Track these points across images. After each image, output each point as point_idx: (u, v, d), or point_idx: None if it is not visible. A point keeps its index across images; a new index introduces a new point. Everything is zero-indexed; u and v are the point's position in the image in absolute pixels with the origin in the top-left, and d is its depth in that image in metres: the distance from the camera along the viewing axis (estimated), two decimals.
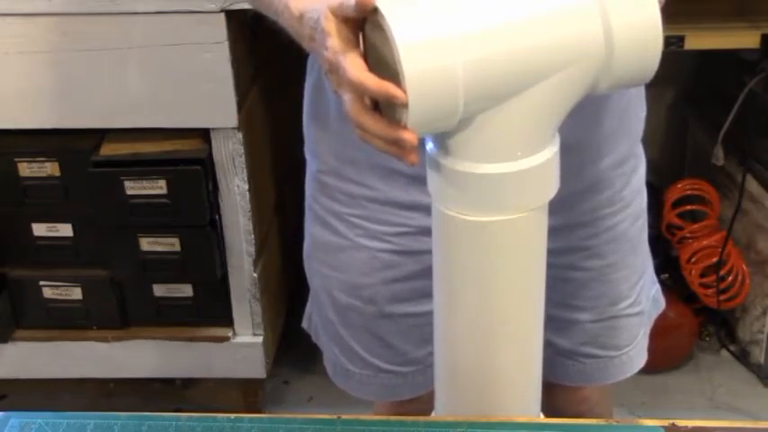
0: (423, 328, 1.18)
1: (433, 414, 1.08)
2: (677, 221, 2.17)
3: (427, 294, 1.11)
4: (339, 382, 1.29)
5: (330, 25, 0.84)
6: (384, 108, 0.84)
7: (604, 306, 1.22)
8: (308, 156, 1.21)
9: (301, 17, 0.90)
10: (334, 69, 0.84)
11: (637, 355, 1.29)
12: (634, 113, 1.17)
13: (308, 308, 1.32)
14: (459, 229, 0.89)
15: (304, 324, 1.35)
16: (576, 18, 0.82)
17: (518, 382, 0.99)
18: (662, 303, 1.34)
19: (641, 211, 1.22)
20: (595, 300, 1.22)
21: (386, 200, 1.14)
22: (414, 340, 1.21)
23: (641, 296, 1.26)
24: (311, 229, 1.23)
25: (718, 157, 2.10)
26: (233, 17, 1.66)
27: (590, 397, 1.34)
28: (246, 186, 1.79)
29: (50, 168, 1.80)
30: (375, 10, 0.81)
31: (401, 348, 1.22)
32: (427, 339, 1.17)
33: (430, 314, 1.04)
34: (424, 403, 1.23)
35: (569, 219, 1.12)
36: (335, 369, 1.28)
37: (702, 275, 2.14)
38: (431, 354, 1.17)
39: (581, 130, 1.04)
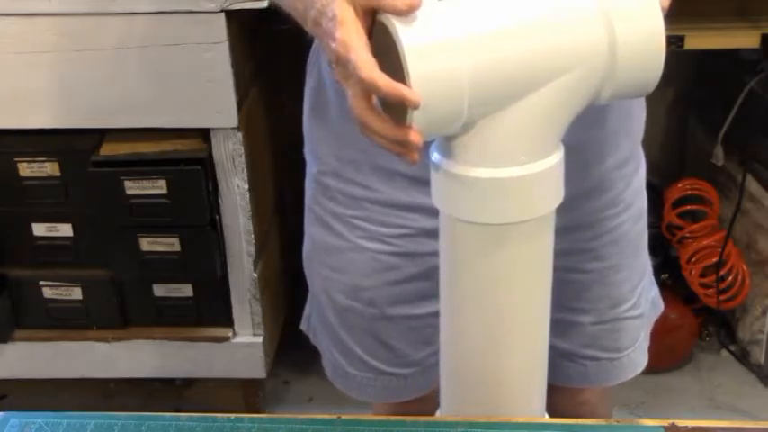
0: (423, 330, 1.18)
1: (437, 413, 1.08)
2: (677, 221, 2.17)
3: (427, 296, 1.11)
4: (339, 383, 1.29)
5: (344, 13, 0.81)
6: (385, 104, 0.84)
7: (606, 308, 1.22)
8: (307, 157, 1.21)
9: None
10: (343, 63, 0.82)
11: (638, 356, 1.28)
12: (636, 115, 1.17)
13: (307, 309, 1.32)
14: (460, 232, 0.89)
15: (302, 326, 1.34)
16: (581, 25, 0.82)
17: (524, 384, 0.99)
18: (661, 306, 1.34)
19: (642, 212, 1.22)
20: (596, 302, 1.21)
21: (387, 201, 1.14)
22: (414, 342, 1.21)
23: (641, 298, 1.26)
24: (311, 231, 1.22)
25: (718, 157, 2.10)
26: (233, 17, 1.66)
27: (590, 399, 1.34)
28: (246, 186, 1.79)
29: (50, 168, 1.80)
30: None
31: (401, 350, 1.22)
32: (427, 341, 1.18)
33: (430, 316, 1.04)
34: (423, 404, 1.23)
35: (571, 220, 1.12)
36: (335, 371, 1.28)
37: (702, 275, 2.14)
38: (431, 355, 1.18)
39: (585, 132, 1.04)
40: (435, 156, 0.88)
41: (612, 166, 1.15)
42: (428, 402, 1.19)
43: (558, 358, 1.23)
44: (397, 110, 0.82)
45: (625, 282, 1.22)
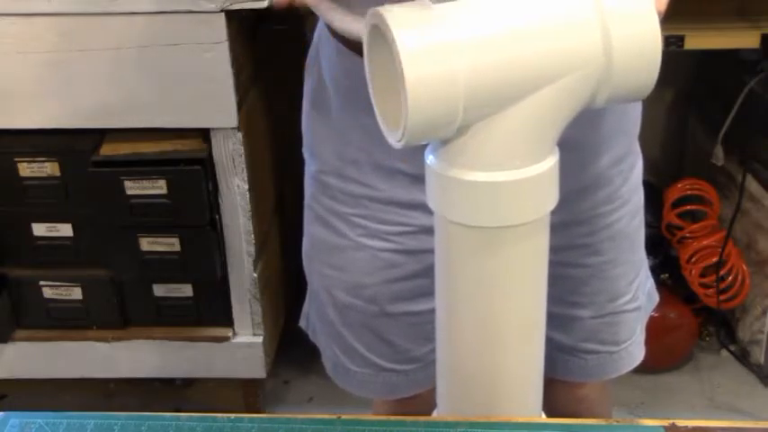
0: (423, 326, 1.18)
1: (434, 413, 1.08)
2: (677, 221, 2.17)
3: (427, 293, 1.12)
4: (339, 380, 1.29)
5: None
6: (379, 100, 0.84)
7: (603, 302, 1.23)
8: (306, 156, 1.21)
9: None
10: None
11: (636, 349, 1.29)
12: (631, 112, 1.18)
13: (306, 306, 1.33)
14: (455, 234, 0.89)
15: (301, 323, 1.35)
16: (577, 29, 0.82)
17: (520, 385, 0.99)
18: (656, 298, 1.35)
19: (639, 207, 1.23)
20: (595, 296, 1.22)
21: (387, 199, 1.14)
22: (415, 338, 1.21)
23: (638, 292, 1.27)
24: (311, 229, 1.22)
25: (718, 157, 2.10)
26: (233, 17, 1.66)
27: (589, 395, 1.34)
28: (246, 186, 1.79)
29: (50, 168, 1.80)
30: (379, 15, 0.81)
31: (402, 346, 1.22)
32: (428, 337, 1.18)
33: (430, 312, 1.04)
34: (423, 400, 1.23)
35: (568, 216, 1.12)
36: (335, 368, 1.28)
37: (702, 275, 2.14)
38: (432, 351, 1.17)
39: (580, 131, 1.04)
40: (430, 158, 0.88)
41: (609, 163, 1.15)
42: (427, 401, 1.19)
43: (558, 352, 1.24)
44: (392, 109, 0.82)
45: (623, 276, 1.23)
